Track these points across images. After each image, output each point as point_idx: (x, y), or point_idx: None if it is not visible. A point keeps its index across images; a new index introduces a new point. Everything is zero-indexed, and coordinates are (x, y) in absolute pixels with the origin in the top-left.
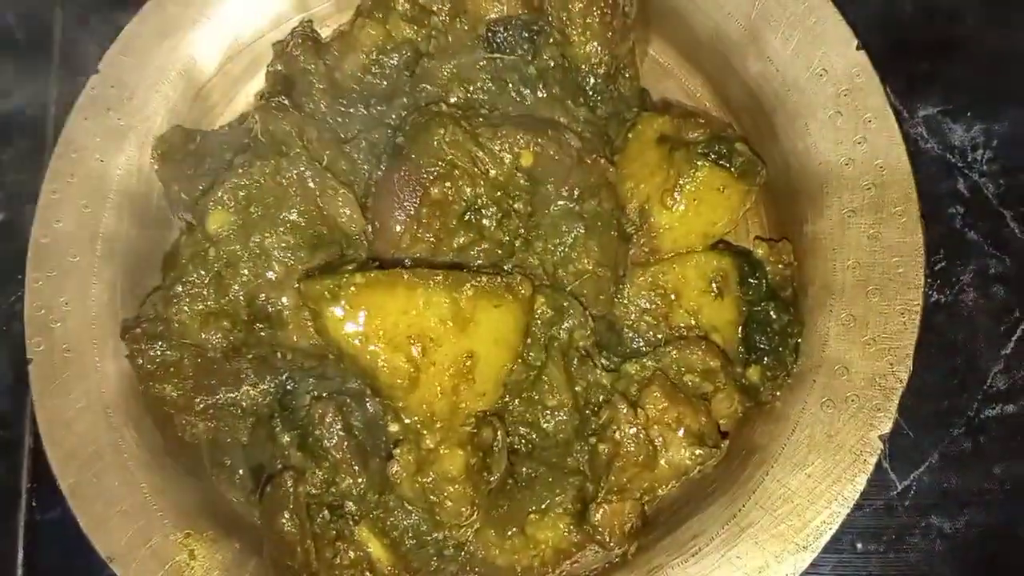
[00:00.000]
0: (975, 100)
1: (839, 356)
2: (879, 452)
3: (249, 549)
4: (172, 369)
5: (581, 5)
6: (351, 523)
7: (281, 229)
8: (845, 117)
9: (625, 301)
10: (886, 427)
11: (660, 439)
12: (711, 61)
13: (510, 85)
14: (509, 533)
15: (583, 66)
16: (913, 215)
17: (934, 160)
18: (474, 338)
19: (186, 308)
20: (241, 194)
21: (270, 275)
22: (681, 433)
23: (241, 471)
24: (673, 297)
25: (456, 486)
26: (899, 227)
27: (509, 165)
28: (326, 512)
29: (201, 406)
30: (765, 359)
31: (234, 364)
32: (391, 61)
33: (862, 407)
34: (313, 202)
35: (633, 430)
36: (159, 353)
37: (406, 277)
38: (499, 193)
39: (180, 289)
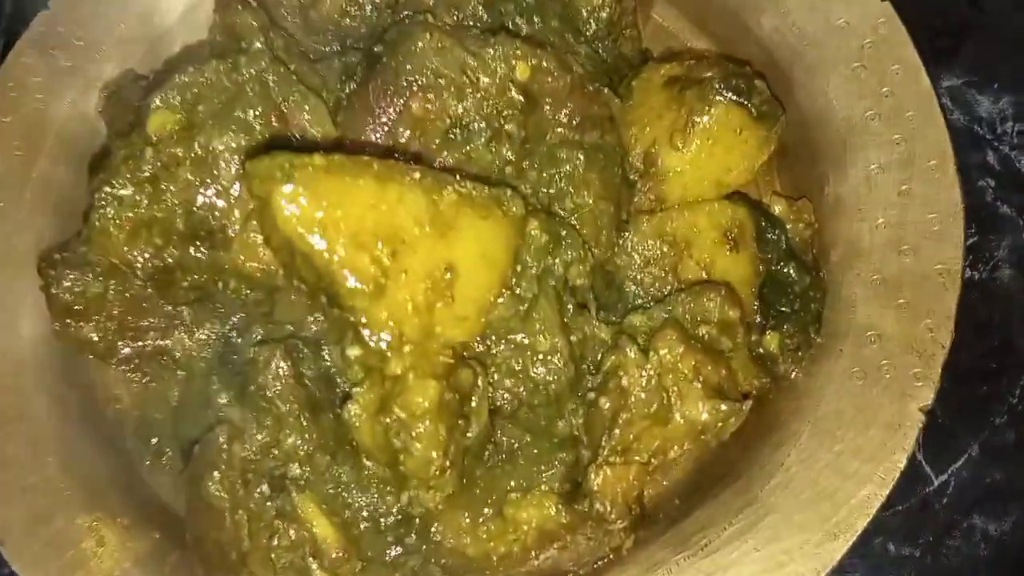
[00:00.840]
0: (1001, 73)
1: (870, 322)
2: (920, 425)
3: (171, 541)
4: (93, 305)
5: None
6: (294, 494)
7: (232, 128)
8: (869, 70)
9: (628, 249)
10: (927, 397)
11: (675, 390)
12: (721, 20)
13: (504, 15)
14: (484, 516)
15: (584, 9)
16: (949, 168)
17: (961, 132)
18: (455, 248)
19: (111, 213)
20: (190, 93)
21: (213, 186)
22: (698, 385)
23: (170, 451)
24: (683, 246)
25: (426, 423)
26: (934, 181)
27: (503, 76)
28: (265, 487)
29: (125, 352)
30: (785, 325)
31: (167, 300)
32: (370, 3)
33: (898, 376)
34: (274, 106)
35: (644, 376)
36: (78, 282)
37: (376, 167)
38: (490, 109)
39: (107, 191)
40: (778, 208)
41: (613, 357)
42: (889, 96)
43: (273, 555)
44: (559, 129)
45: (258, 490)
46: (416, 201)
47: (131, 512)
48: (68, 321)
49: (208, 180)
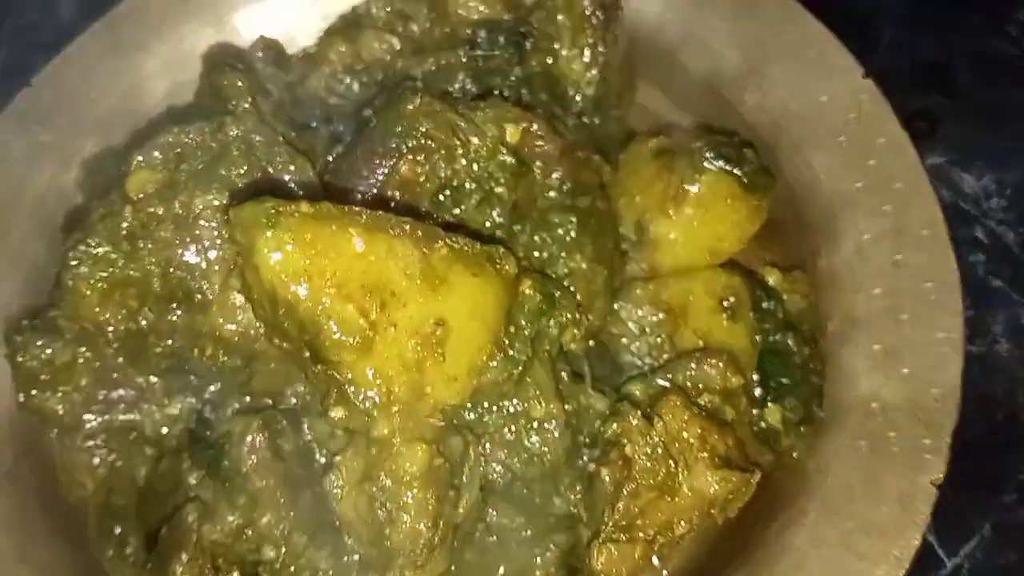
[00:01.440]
0: (980, 151)
1: (873, 393)
2: (933, 499)
3: None
4: (61, 373)
5: (571, 19)
6: None
7: (216, 187)
8: (855, 143)
9: (622, 317)
10: (938, 469)
11: (681, 459)
12: (704, 101)
13: (493, 87)
14: None
15: (570, 88)
16: (942, 236)
17: (948, 208)
18: (446, 303)
19: (85, 272)
20: (173, 153)
21: (193, 246)
22: (705, 455)
23: (133, 541)
24: (679, 314)
25: (415, 490)
26: (927, 250)
27: (493, 138)
28: (236, 574)
29: (91, 425)
30: (786, 399)
31: (139, 369)
32: (358, 82)
33: (906, 448)
34: (259, 167)
35: (649, 444)
36: (45, 348)
37: (364, 217)
38: (480, 171)
39: (81, 249)
40: (772, 279)
41: (615, 425)
42: (876, 168)
43: None
44: (550, 193)
45: None
46: (406, 253)
47: None
48: (33, 392)
49: (188, 239)
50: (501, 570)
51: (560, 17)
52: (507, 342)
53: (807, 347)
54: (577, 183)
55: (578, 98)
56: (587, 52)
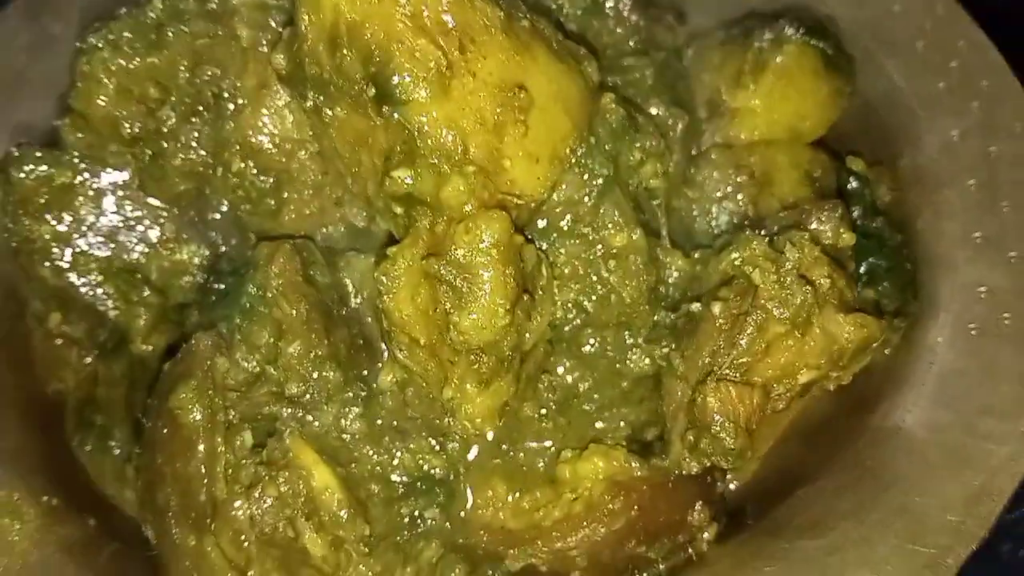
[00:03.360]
0: None
1: (979, 279)
2: None
3: (110, 532)
4: (56, 200)
5: None
6: (286, 437)
7: None
8: (933, 46)
9: (699, 180)
10: None
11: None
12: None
13: None
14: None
15: None
16: None
17: None
18: (531, 72)
19: (104, 55)
20: None
21: (226, 45)
22: (835, 300)
23: (118, 433)
24: (763, 181)
25: (494, 260)
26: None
27: None
28: (248, 435)
29: (91, 264)
30: (880, 283)
31: (155, 192)
32: None
33: (1021, 325)
34: None
35: (781, 272)
36: (42, 166)
37: None
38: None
39: (102, 33)
40: (857, 166)
41: (734, 255)
42: (959, 68)
43: (252, 510)
44: (624, 43)
45: (239, 438)
46: (487, 8)
47: (62, 495)
48: (22, 215)
49: (222, 33)
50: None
51: None
52: (586, 156)
53: (899, 234)
54: (650, 37)
55: None
56: None
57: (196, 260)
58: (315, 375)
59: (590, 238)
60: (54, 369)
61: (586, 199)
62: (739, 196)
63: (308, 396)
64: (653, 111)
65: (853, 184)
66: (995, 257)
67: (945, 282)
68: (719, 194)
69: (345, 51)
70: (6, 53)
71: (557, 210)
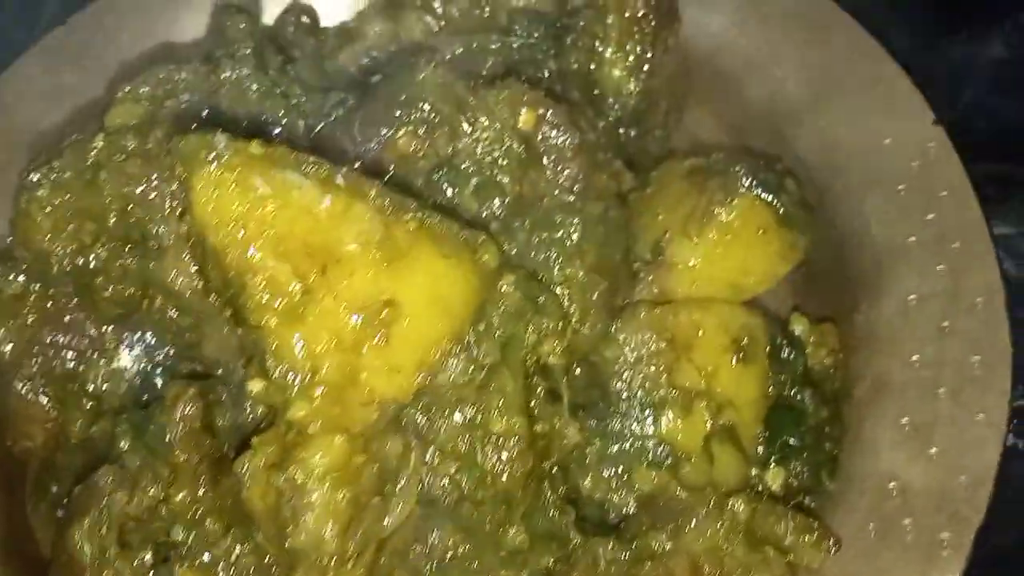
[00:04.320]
0: None
1: (893, 471)
2: None
3: None
4: (8, 307)
5: (621, 21)
6: (176, 568)
7: (194, 128)
8: (914, 191)
9: (619, 340)
10: (955, 570)
11: None
12: (757, 130)
13: (526, 79)
14: None
15: (609, 95)
16: (998, 307)
17: (1011, 283)
18: (403, 283)
19: (40, 194)
20: (162, 89)
21: (158, 187)
22: None
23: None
24: (683, 347)
25: (323, 489)
26: (979, 320)
27: (504, 121)
28: (148, 556)
29: (33, 370)
30: (793, 463)
31: (90, 311)
32: (387, 59)
33: (922, 539)
34: (248, 116)
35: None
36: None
37: (324, 171)
38: (483, 155)
39: (42, 171)
40: (799, 328)
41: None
42: (935, 222)
43: None
44: (558, 193)
45: (138, 559)
46: (366, 217)
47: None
48: None
49: (153, 177)
50: None
51: (609, 18)
52: (473, 340)
53: (825, 408)
54: (591, 186)
55: (616, 106)
56: (631, 57)
57: (132, 368)
58: (196, 524)
59: (472, 419)
60: (24, 424)
61: (471, 382)
62: (656, 362)
63: (191, 542)
64: (573, 271)
65: (784, 354)
66: (917, 449)
67: (861, 467)
68: (635, 359)
69: (210, 266)
70: None
71: (441, 390)
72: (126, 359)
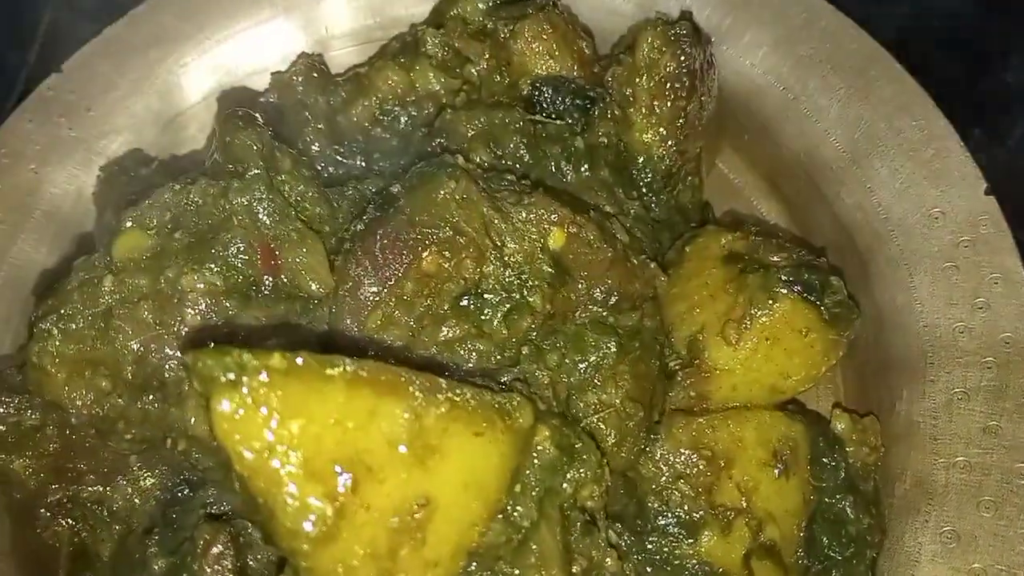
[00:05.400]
0: None
1: None
2: None
3: None
4: (28, 438)
5: (652, 83)
6: None
7: (209, 267)
8: (963, 273)
9: (656, 457)
10: None
11: None
12: (795, 186)
13: (549, 157)
14: None
15: (640, 157)
16: None
17: None
18: (437, 477)
19: (52, 347)
20: (169, 215)
21: (174, 334)
22: None
23: None
24: (722, 464)
25: None
26: None
27: (533, 243)
28: None
29: (57, 497)
30: (833, 572)
31: (112, 445)
32: (406, 115)
33: None
34: (262, 244)
35: None
36: (16, 411)
37: (349, 370)
38: (513, 279)
39: (52, 320)
40: (841, 426)
41: None
42: (983, 308)
43: None
44: (591, 307)
45: None
46: (396, 416)
47: None
48: None
49: (170, 324)
50: None
51: (638, 79)
52: (510, 504)
53: (868, 516)
54: (624, 296)
55: (646, 173)
56: (665, 123)
57: (160, 487)
58: None
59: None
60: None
61: (507, 544)
62: (695, 480)
63: None
64: (609, 397)
65: (825, 459)
66: (959, 564)
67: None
68: (673, 475)
69: (238, 486)
70: None
71: (473, 556)
72: (153, 478)
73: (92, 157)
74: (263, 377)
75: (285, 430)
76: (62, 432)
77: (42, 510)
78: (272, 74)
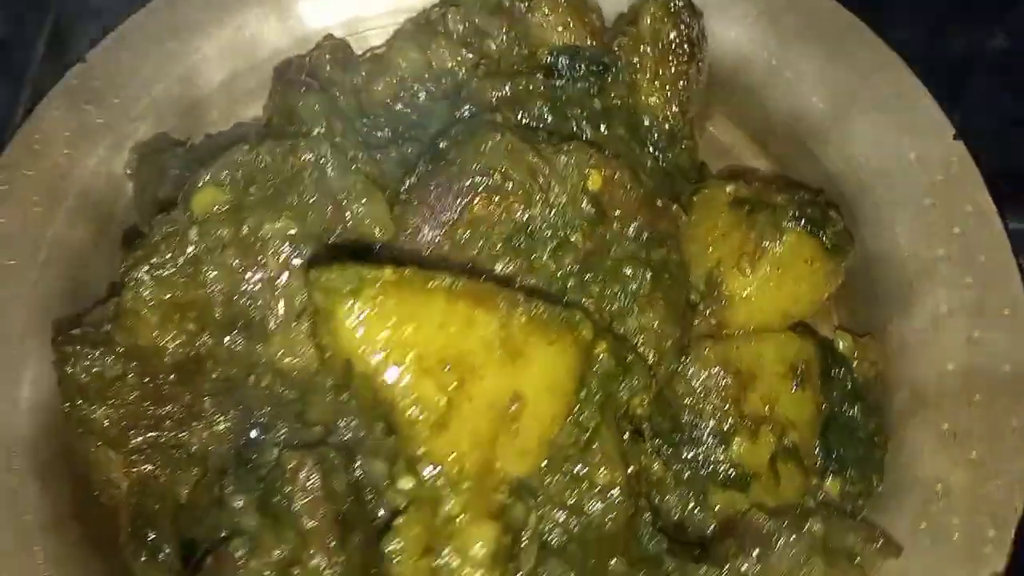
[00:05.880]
0: None
1: (937, 474)
2: None
3: None
4: (109, 387)
5: (656, 51)
6: None
7: (286, 214)
8: (940, 208)
9: (687, 376)
10: (999, 565)
11: None
12: (783, 144)
13: (570, 118)
14: None
15: (645, 118)
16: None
17: None
18: (524, 377)
19: (146, 294)
20: (241, 172)
21: (259, 274)
22: None
23: (168, 549)
24: (747, 379)
25: (480, 573)
26: (1007, 330)
27: (574, 186)
28: None
29: (137, 441)
30: (848, 471)
31: (190, 391)
32: (424, 91)
33: (968, 538)
34: (330, 196)
35: None
36: (96, 362)
37: (448, 283)
38: (557, 219)
39: (145, 270)
40: (843, 344)
41: None
42: (960, 237)
43: None
44: (626, 243)
45: None
46: (487, 322)
47: None
48: (80, 403)
49: (254, 267)
50: None
51: (643, 47)
52: (577, 408)
53: (873, 420)
54: (653, 234)
55: (653, 132)
56: (669, 87)
57: (233, 428)
58: None
59: (578, 474)
60: (108, 472)
61: (575, 443)
62: (723, 395)
63: None
64: (647, 321)
65: (833, 372)
66: (956, 455)
67: (907, 472)
68: (704, 391)
69: (357, 384)
70: None
71: (550, 452)
72: (227, 422)
73: (119, 141)
74: (379, 287)
75: (402, 332)
76: (141, 381)
77: (123, 454)
78: (295, 57)
